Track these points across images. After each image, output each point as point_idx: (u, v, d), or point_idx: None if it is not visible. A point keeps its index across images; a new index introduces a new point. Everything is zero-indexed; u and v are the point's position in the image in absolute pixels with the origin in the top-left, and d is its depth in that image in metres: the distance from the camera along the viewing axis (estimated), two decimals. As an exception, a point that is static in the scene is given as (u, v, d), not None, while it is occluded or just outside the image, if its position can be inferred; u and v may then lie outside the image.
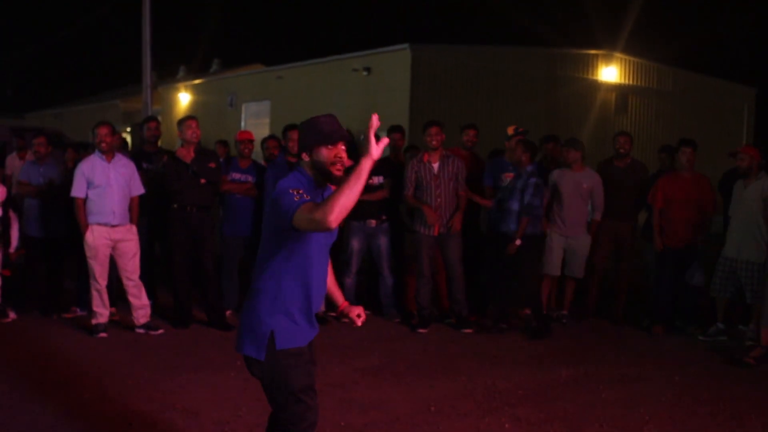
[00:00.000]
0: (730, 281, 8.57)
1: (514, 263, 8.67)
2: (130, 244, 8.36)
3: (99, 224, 8.19)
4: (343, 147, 3.96)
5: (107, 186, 8.19)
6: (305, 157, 3.98)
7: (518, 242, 8.54)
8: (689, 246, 8.87)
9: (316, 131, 3.95)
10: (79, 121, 37.30)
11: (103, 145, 8.23)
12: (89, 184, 8.19)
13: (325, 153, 3.92)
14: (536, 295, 8.83)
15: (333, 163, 3.91)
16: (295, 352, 3.94)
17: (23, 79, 53.29)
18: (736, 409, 6.42)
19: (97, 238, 8.18)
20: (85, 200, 8.22)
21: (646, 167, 9.69)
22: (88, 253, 8.22)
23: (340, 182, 3.79)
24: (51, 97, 48.92)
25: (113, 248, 8.29)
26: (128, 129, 33.44)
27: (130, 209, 8.38)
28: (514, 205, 8.59)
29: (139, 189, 8.48)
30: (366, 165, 3.54)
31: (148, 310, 8.50)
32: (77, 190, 8.22)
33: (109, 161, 8.27)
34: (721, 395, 6.77)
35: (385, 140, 3.58)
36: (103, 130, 8.25)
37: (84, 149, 10.05)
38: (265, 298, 3.95)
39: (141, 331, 8.39)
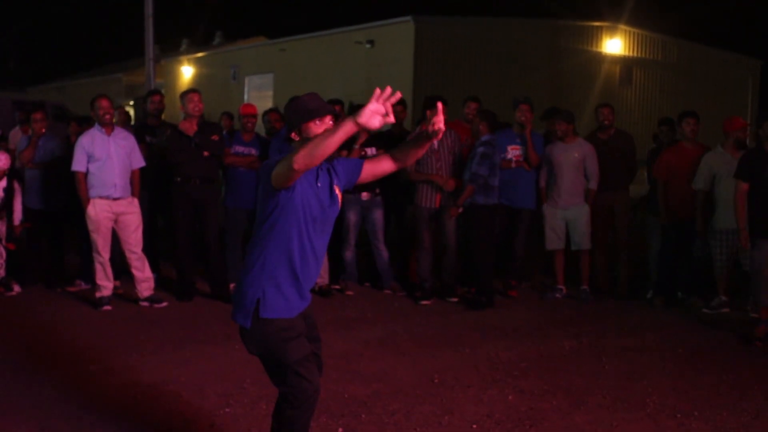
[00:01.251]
0: (731, 255, 8.56)
1: (471, 234, 8.81)
2: (132, 216, 8.36)
3: (101, 197, 8.19)
4: (331, 121, 3.95)
5: (108, 159, 8.18)
6: (295, 137, 3.98)
7: (460, 210, 8.61)
8: (693, 218, 8.84)
9: (303, 109, 3.95)
10: (82, 94, 37.21)
11: (107, 116, 8.23)
12: (90, 158, 8.18)
13: (314, 129, 3.91)
14: (484, 265, 8.78)
15: None
16: (286, 325, 3.94)
17: (26, 53, 53.19)
18: (739, 380, 6.43)
19: (99, 212, 8.18)
20: (86, 174, 8.22)
21: (631, 136, 9.61)
22: (90, 227, 8.23)
23: (333, 156, 3.81)
24: (54, 70, 48.81)
25: (115, 221, 8.29)
26: (131, 102, 33.41)
27: (132, 182, 8.39)
28: (466, 175, 8.62)
29: (139, 162, 8.48)
30: (348, 124, 3.48)
31: (151, 283, 8.52)
32: (78, 164, 8.21)
33: (108, 134, 8.26)
34: (723, 366, 6.78)
35: (389, 119, 3.53)
36: (105, 103, 8.25)
37: (87, 123, 10.04)
38: (252, 266, 3.98)
39: (145, 304, 8.41)
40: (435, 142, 8.63)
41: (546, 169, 9.12)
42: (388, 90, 3.49)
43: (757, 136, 7.95)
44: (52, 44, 64.60)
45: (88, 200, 8.22)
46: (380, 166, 4.19)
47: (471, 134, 8.95)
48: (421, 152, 4.12)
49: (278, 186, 3.80)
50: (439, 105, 3.87)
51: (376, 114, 3.45)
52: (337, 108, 8.98)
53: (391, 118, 3.51)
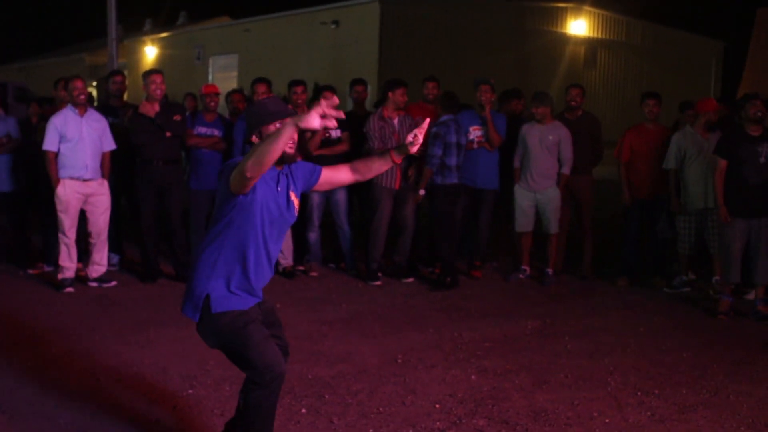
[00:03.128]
0: (698, 236, 8.62)
1: (436, 215, 8.86)
2: (102, 198, 8.32)
3: (71, 178, 8.13)
4: None
5: (80, 140, 8.11)
6: (255, 140, 4.00)
7: (422, 192, 8.67)
8: (655, 198, 8.91)
9: (262, 112, 3.99)
10: (44, 74, 36.83)
11: (82, 97, 8.15)
12: (62, 138, 8.11)
13: (273, 132, 3.91)
14: (447, 245, 8.81)
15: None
16: (239, 313, 3.97)
17: (-14, 33, 52.38)
18: (699, 358, 6.52)
19: (69, 193, 8.12)
20: (56, 154, 8.14)
21: (598, 119, 9.61)
22: (59, 207, 8.15)
23: (292, 160, 3.87)
24: (16, 51, 48.19)
25: (84, 202, 8.24)
26: (94, 83, 33.06)
27: (102, 165, 8.33)
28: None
29: (110, 144, 8.41)
30: (288, 128, 3.57)
31: (104, 269, 8.47)
32: (49, 144, 8.12)
33: (81, 115, 8.18)
34: (684, 345, 6.87)
35: (329, 123, 3.61)
36: (80, 84, 8.20)
37: (49, 104, 9.92)
38: (205, 262, 4.01)
39: (94, 284, 8.37)
40: (395, 123, 8.71)
41: (520, 150, 9.09)
42: (328, 95, 3.68)
43: (739, 118, 7.97)
44: (14, 24, 63.76)
45: (58, 180, 8.14)
46: (338, 176, 4.30)
47: (435, 115, 8.92)
48: (384, 167, 4.24)
49: (237, 192, 3.83)
50: (427, 120, 4.13)
51: (316, 116, 3.55)
52: (300, 89, 8.90)
53: (332, 123, 3.61)
